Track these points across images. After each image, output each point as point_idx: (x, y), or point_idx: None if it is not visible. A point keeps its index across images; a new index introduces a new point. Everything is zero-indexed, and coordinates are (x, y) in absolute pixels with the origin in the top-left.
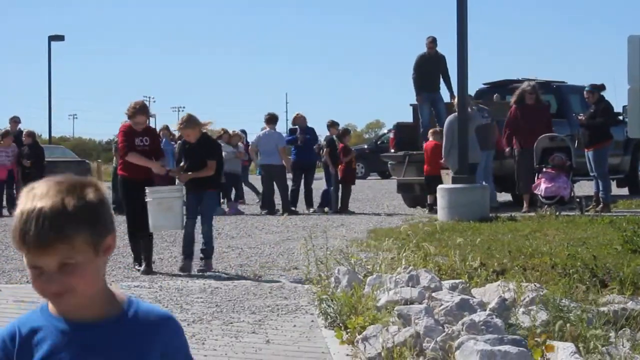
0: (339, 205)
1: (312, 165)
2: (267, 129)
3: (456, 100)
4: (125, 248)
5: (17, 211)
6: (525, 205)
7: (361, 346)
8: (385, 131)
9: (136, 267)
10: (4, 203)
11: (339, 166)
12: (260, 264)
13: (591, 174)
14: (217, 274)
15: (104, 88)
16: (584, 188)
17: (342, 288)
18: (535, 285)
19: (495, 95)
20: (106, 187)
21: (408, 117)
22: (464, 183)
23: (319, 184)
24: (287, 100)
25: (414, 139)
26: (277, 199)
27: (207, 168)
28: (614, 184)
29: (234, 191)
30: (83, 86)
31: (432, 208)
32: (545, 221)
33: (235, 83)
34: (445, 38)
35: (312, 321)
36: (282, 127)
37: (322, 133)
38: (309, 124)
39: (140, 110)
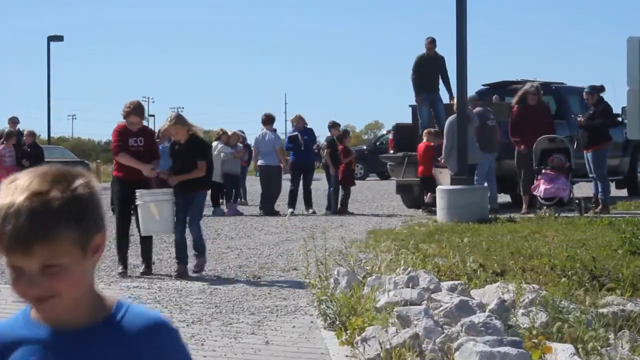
0: (339, 206)
1: (311, 166)
2: (264, 130)
3: (455, 100)
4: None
5: None
6: (524, 206)
7: (360, 347)
8: (384, 132)
9: (120, 269)
10: None
11: (339, 167)
12: (259, 264)
13: (590, 175)
14: (216, 274)
15: (103, 88)
16: (583, 189)
17: (342, 289)
18: (534, 286)
19: (494, 97)
20: (100, 185)
21: (407, 118)
22: (463, 184)
23: (319, 185)
24: (286, 101)
25: (413, 140)
26: (278, 200)
27: (198, 169)
28: (613, 185)
29: (233, 192)
30: (82, 86)
31: (429, 208)
32: (544, 222)
33: (235, 83)
34: (444, 39)
35: (312, 322)
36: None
37: (321, 133)
38: (308, 125)
39: (135, 110)
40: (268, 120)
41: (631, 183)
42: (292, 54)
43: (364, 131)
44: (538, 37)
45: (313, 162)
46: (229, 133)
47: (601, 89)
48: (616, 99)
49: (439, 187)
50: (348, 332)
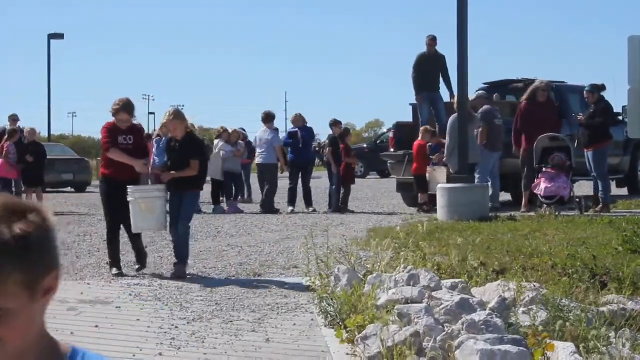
0: (341, 204)
1: (309, 164)
2: (264, 128)
3: (456, 99)
4: (124, 246)
5: None
6: (524, 202)
7: (361, 345)
8: (385, 130)
9: (113, 271)
10: None
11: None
12: (260, 262)
13: (592, 175)
14: (217, 272)
15: (103, 86)
16: (584, 188)
17: (342, 287)
18: (535, 285)
19: (495, 95)
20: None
21: (407, 117)
22: (463, 183)
23: (319, 183)
24: (286, 99)
25: (413, 138)
26: (278, 198)
27: (190, 168)
28: (613, 184)
29: (233, 189)
30: (82, 84)
31: (424, 208)
32: (545, 221)
33: (235, 82)
34: (445, 37)
35: (312, 320)
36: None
37: (322, 132)
38: (309, 124)
39: (124, 107)
40: (268, 118)
41: (632, 182)
42: (292, 53)
43: (365, 129)
44: (539, 36)
45: (311, 161)
46: (230, 131)
47: (602, 87)
48: (617, 98)
49: (439, 186)
50: (349, 330)
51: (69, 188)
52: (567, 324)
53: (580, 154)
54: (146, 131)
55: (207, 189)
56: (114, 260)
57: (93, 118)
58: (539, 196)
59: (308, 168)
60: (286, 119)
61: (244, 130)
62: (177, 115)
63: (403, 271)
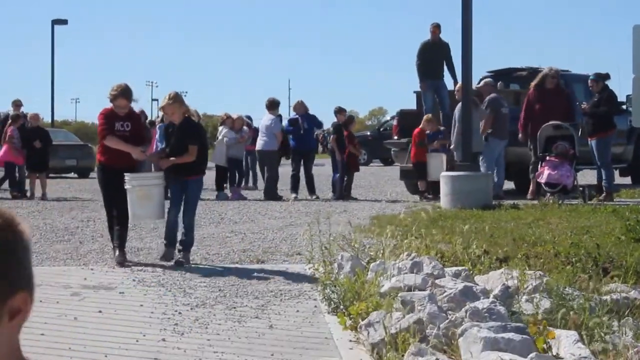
0: (345, 192)
1: (311, 151)
2: (268, 114)
3: (457, 87)
4: (130, 231)
5: None
6: (531, 190)
7: (364, 332)
8: (388, 118)
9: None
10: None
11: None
12: (263, 249)
13: (595, 163)
14: (220, 258)
15: (106, 72)
16: (587, 177)
17: (345, 274)
18: (538, 273)
19: (499, 83)
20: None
21: (411, 104)
22: (467, 171)
23: (321, 170)
24: (289, 87)
25: (417, 126)
26: (280, 185)
27: (188, 153)
28: (617, 173)
29: (237, 176)
30: (86, 70)
31: (426, 195)
32: (548, 209)
33: (238, 69)
34: (449, 25)
35: (315, 307)
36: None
37: (325, 119)
38: (312, 111)
39: (121, 93)
40: (272, 105)
41: (635, 171)
42: (296, 40)
43: (368, 117)
44: (543, 24)
45: (313, 148)
46: (234, 117)
47: (606, 76)
48: (621, 87)
49: (442, 174)
50: (352, 317)
51: (72, 173)
52: (570, 312)
53: (584, 142)
54: (149, 117)
55: (211, 175)
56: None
57: (96, 104)
58: (542, 184)
59: (310, 155)
60: (289, 106)
61: (250, 118)
62: (176, 100)
63: (406, 259)
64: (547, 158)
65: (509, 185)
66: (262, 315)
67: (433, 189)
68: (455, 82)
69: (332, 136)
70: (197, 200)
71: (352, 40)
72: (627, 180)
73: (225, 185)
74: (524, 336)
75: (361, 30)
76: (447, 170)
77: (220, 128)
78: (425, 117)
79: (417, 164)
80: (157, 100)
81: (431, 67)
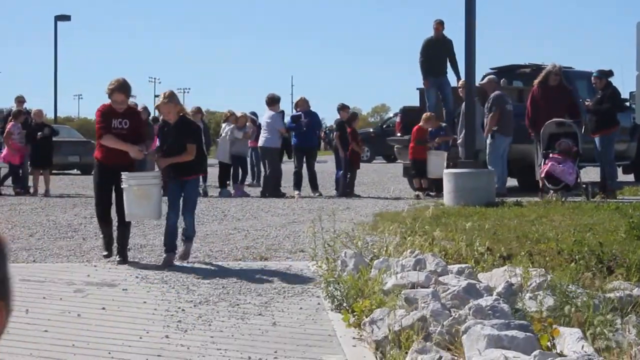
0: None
1: (313, 149)
2: (269, 111)
3: (460, 83)
4: (133, 228)
5: None
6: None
7: (368, 329)
8: (391, 115)
9: (104, 255)
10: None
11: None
12: (266, 246)
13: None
14: (223, 255)
15: (109, 68)
16: (590, 174)
17: (349, 271)
18: (541, 270)
19: (501, 80)
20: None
21: (413, 101)
22: (470, 168)
23: (324, 167)
24: (292, 83)
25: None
26: (283, 182)
27: (187, 152)
28: (620, 170)
29: (240, 173)
30: (89, 66)
31: (427, 193)
32: (551, 207)
33: (241, 65)
34: (453, 22)
35: (319, 304)
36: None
37: (328, 116)
38: (315, 108)
39: (119, 88)
40: (271, 101)
41: (638, 168)
42: (299, 36)
43: (371, 114)
44: (546, 21)
45: (315, 146)
46: (238, 114)
47: (609, 73)
48: (624, 84)
49: (445, 171)
50: (355, 314)
51: (75, 170)
52: (574, 309)
53: (587, 139)
54: (152, 114)
55: (215, 172)
56: (106, 243)
57: (99, 100)
58: (545, 182)
59: (312, 152)
60: (292, 103)
61: (255, 114)
62: (171, 98)
63: (410, 256)
64: (551, 155)
65: (511, 182)
66: (266, 313)
67: (435, 187)
68: (459, 79)
69: (335, 133)
70: (196, 199)
71: (355, 36)
72: (630, 177)
73: (228, 182)
74: (528, 334)
75: (364, 26)
76: (449, 167)
77: (223, 125)
78: (424, 115)
79: (415, 161)
80: (159, 96)
81: (434, 64)
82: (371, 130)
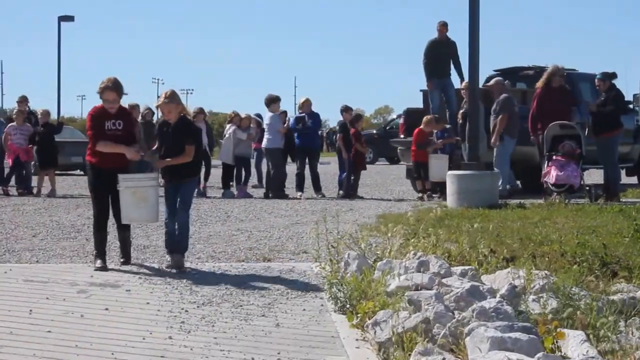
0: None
1: (316, 150)
2: (268, 112)
3: (463, 84)
4: (134, 230)
5: None
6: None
7: (371, 331)
8: (394, 116)
9: (97, 263)
10: (13, 182)
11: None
12: (269, 247)
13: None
14: (226, 256)
15: (113, 69)
16: (594, 176)
17: (352, 273)
18: (544, 272)
19: (505, 82)
20: None
21: (417, 103)
22: (473, 170)
23: (327, 169)
24: (295, 84)
25: None
26: (286, 183)
27: (185, 154)
28: (623, 172)
29: (243, 174)
30: (92, 67)
31: (429, 195)
32: (554, 209)
33: (244, 66)
34: (456, 23)
35: (322, 305)
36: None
37: (331, 117)
38: (318, 109)
39: (108, 87)
40: (269, 102)
41: None
42: (302, 37)
43: (374, 115)
44: (550, 23)
45: (318, 147)
46: (242, 116)
47: (613, 75)
48: (628, 86)
49: (448, 173)
50: (359, 315)
51: (78, 171)
52: (577, 312)
53: (590, 141)
54: (156, 113)
55: (218, 173)
56: (100, 252)
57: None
58: (548, 184)
59: (314, 153)
60: (295, 104)
61: (260, 116)
62: (173, 98)
63: (413, 257)
64: (554, 157)
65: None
66: (269, 314)
67: (433, 190)
68: (462, 81)
69: (338, 135)
70: (191, 199)
71: (359, 38)
72: (634, 179)
73: (231, 183)
74: (532, 336)
75: (367, 27)
76: (452, 169)
77: (227, 126)
78: (424, 118)
79: (417, 163)
80: (160, 96)
81: (438, 66)
82: (374, 131)
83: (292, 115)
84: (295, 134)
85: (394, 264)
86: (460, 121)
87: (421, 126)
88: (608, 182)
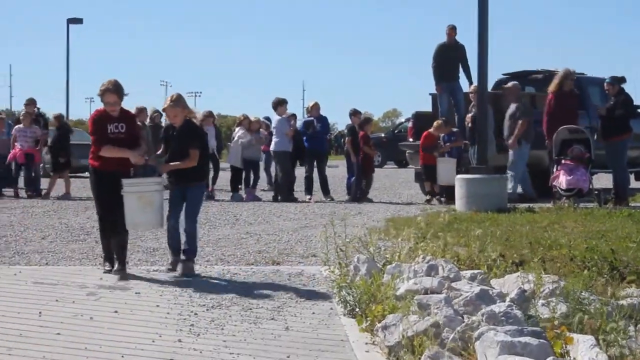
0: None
1: (324, 153)
2: (275, 115)
3: (471, 88)
4: (144, 232)
5: None
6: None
7: (381, 334)
8: (403, 120)
9: (106, 266)
10: (22, 185)
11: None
12: (278, 250)
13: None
14: (235, 259)
15: (121, 72)
16: (602, 181)
17: (361, 276)
18: (554, 277)
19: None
20: None
21: (424, 106)
22: (482, 174)
23: (335, 172)
24: (304, 88)
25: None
26: (295, 186)
27: (190, 158)
28: (632, 177)
29: (252, 178)
30: (100, 70)
31: (437, 199)
32: (563, 213)
33: (252, 69)
34: (465, 26)
35: (331, 309)
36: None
37: (339, 121)
38: (326, 112)
39: (110, 89)
40: (276, 105)
41: None
42: (310, 41)
43: (382, 119)
44: (559, 26)
45: (325, 149)
46: (251, 119)
47: (622, 80)
48: (637, 90)
49: (457, 177)
50: (368, 319)
51: (87, 173)
52: (587, 316)
53: (599, 145)
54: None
55: (226, 176)
56: (107, 256)
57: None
58: (557, 188)
59: (322, 156)
60: (303, 107)
61: (269, 119)
62: (179, 102)
63: (422, 261)
64: (563, 161)
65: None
66: (278, 317)
67: (446, 193)
68: (471, 85)
69: (347, 138)
70: (199, 206)
71: (367, 41)
72: None
73: (240, 186)
74: (541, 340)
75: (375, 31)
76: (461, 173)
77: (236, 129)
78: (435, 123)
79: (426, 166)
80: (166, 99)
81: (447, 69)
82: (383, 135)
83: (300, 119)
84: (304, 138)
85: (403, 267)
86: (469, 125)
87: (431, 130)
88: (617, 186)
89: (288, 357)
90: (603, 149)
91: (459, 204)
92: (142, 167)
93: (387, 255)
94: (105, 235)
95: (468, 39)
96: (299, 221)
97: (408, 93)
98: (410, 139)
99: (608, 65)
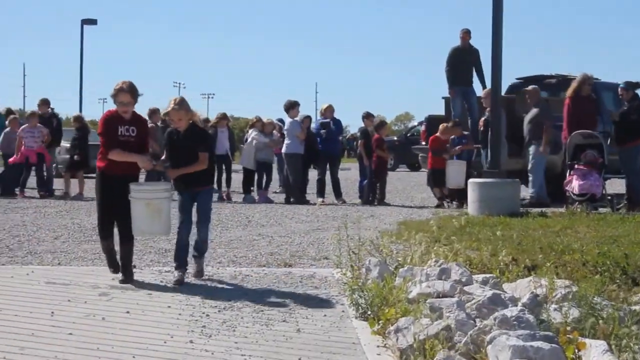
0: (378, 196)
1: (337, 156)
2: (288, 117)
3: (484, 92)
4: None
5: None
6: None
7: (393, 337)
8: (415, 123)
9: (111, 271)
10: (35, 185)
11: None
12: (290, 252)
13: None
14: (247, 261)
15: (135, 73)
16: (615, 186)
17: (373, 279)
18: (566, 282)
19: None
20: None
21: (437, 110)
22: (494, 178)
23: (347, 175)
24: (317, 90)
25: None
26: (307, 189)
27: (199, 161)
28: None
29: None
30: (114, 70)
31: (448, 202)
32: (576, 218)
33: (266, 72)
34: (479, 30)
35: (343, 311)
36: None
37: (352, 123)
38: (339, 115)
39: (124, 89)
40: (287, 108)
41: None
42: (324, 43)
43: (394, 122)
44: (573, 31)
45: (339, 152)
46: (265, 121)
47: (637, 85)
48: None
49: (470, 180)
50: (381, 322)
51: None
52: (599, 321)
53: (612, 150)
54: None
55: (239, 177)
56: (110, 261)
57: None
58: (571, 193)
59: (335, 159)
60: (316, 110)
61: (283, 121)
62: (182, 105)
63: (434, 265)
64: (576, 166)
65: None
66: (290, 319)
67: (458, 196)
68: (484, 89)
69: (360, 141)
70: (209, 210)
71: (380, 44)
72: None
73: (252, 188)
74: (553, 345)
75: (389, 34)
76: (473, 177)
77: (250, 131)
78: (441, 126)
79: (434, 170)
80: (169, 103)
81: (461, 74)
82: (395, 138)
83: (315, 120)
84: (318, 139)
85: (415, 271)
86: (482, 128)
87: (437, 133)
88: (630, 191)
89: (299, 359)
90: (616, 154)
91: (472, 207)
92: (155, 172)
93: (400, 259)
94: (104, 239)
95: (484, 43)
96: (311, 223)
97: (421, 96)
98: (423, 143)
99: (622, 71)
